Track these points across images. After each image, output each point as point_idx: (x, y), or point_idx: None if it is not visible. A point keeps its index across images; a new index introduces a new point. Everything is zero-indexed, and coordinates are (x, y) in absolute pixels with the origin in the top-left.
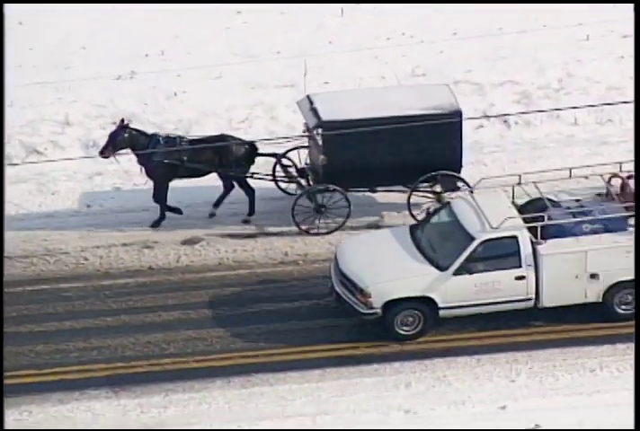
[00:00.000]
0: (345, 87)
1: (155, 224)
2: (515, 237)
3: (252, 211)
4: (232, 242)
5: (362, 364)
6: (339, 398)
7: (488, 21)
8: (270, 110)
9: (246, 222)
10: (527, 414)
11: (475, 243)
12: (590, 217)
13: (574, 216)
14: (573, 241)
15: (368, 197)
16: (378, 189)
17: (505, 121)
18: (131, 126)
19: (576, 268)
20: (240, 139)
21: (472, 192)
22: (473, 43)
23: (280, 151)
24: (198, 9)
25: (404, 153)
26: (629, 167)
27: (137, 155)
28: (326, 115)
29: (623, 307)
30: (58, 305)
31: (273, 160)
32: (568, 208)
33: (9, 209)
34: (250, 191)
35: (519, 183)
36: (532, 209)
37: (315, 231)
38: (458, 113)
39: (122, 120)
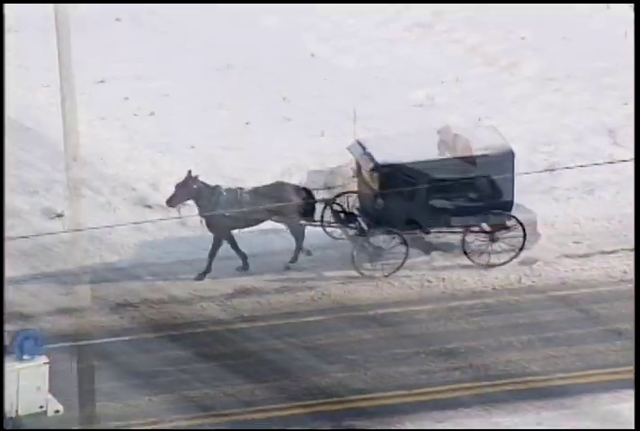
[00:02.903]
0: None
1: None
2: None
3: (295, 258)
4: (569, 262)
5: None
6: None
7: None
8: (575, 133)
9: (287, 268)
10: None
11: None
12: None
13: None
14: None
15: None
16: (432, 230)
17: None
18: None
19: None
20: (296, 186)
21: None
22: None
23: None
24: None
25: (458, 194)
26: None
27: (200, 208)
28: (382, 159)
29: None
30: (412, 328)
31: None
32: None
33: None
34: (300, 238)
35: None
36: None
37: (370, 274)
38: (511, 153)
39: (190, 172)
